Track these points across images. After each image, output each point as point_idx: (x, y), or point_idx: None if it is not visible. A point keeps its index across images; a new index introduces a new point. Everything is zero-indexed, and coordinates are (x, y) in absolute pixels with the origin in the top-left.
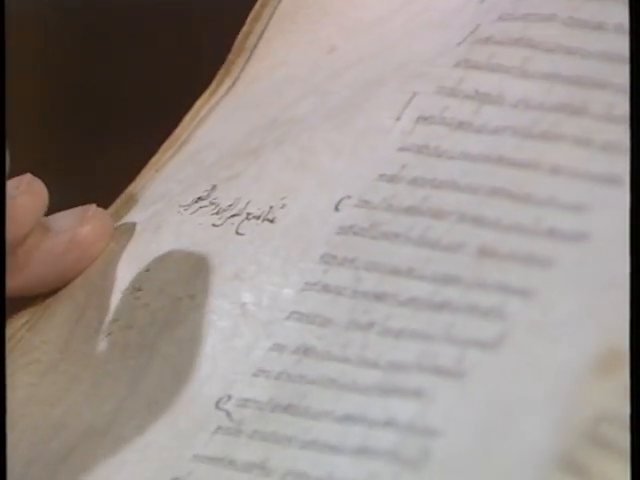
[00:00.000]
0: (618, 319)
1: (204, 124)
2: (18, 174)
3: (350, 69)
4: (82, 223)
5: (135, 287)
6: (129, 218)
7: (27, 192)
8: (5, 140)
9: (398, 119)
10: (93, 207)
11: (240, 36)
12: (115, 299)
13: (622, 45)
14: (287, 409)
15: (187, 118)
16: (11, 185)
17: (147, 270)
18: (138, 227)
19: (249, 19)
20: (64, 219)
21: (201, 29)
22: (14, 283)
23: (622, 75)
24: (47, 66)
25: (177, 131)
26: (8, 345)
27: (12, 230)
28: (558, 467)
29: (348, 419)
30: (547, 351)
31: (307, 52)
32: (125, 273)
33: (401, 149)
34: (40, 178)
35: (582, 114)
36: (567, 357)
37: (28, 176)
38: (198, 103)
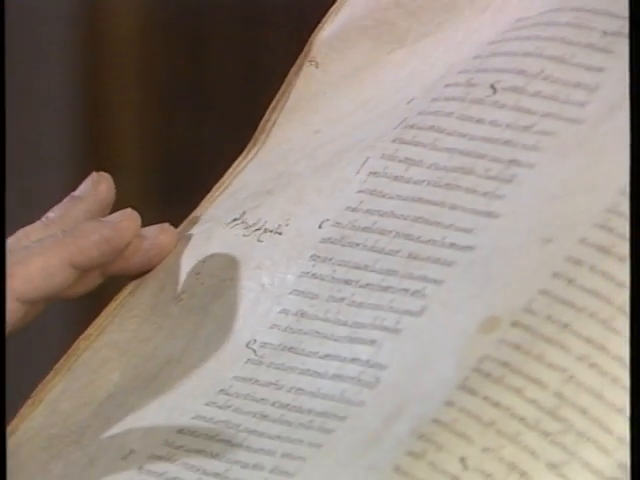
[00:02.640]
0: (497, 299)
1: (239, 175)
2: (123, 205)
3: (328, 143)
4: (160, 233)
5: (196, 272)
6: (191, 231)
7: (127, 219)
8: (5, 140)
9: (357, 173)
10: (167, 225)
11: (262, 122)
12: (183, 279)
13: (495, 132)
14: (290, 350)
15: (229, 171)
16: (118, 214)
17: (203, 262)
18: (196, 237)
19: (269, 110)
20: (150, 230)
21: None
22: (123, 267)
23: (496, 151)
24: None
25: (222, 179)
26: (118, 305)
27: (118, 241)
28: (458, 389)
29: (328, 357)
30: (452, 318)
31: (302, 133)
32: (189, 263)
33: (359, 192)
34: (137, 207)
35: (471, 174)
36: (464, 322)
37: (129, 209)
38: (235, 163)
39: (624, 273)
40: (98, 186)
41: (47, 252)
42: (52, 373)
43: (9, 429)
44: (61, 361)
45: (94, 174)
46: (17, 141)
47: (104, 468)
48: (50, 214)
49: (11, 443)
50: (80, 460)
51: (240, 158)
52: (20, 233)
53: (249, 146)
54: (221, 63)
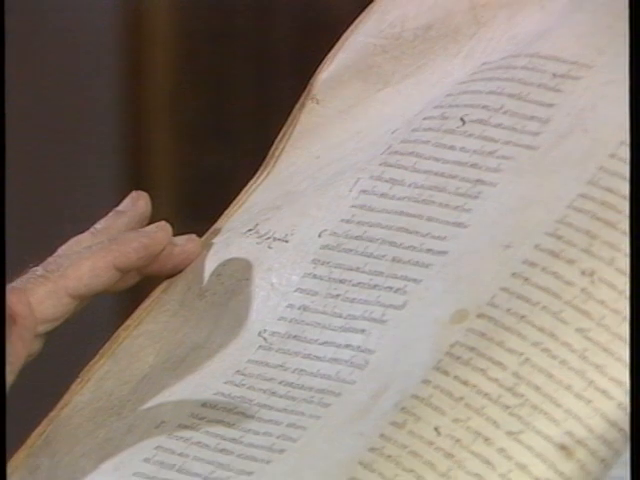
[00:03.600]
0: (465, 295)
1: (253, 193)
2: (159, 218)
3: (326, 167)
4: (188, 242)
5: (217, 274)
6: (213, 240)
7: (161, 230)
8: (5, 145)
9: (350, 191)
10: (193, 235)
11: (272, 149)
12: (206, 279)
13: (464, 157)
14: (295, 337)
15: (244, 190)
16: (153, 226)
17: (223, 265)
18: (217, 245)
19: (277, 140)
20: (180, 239)
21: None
22: (157, 269)
23: (465, 172)
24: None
25: (238, 197)
26: (152, 300)
27: (153, 248)
28: (433, 370)
29: (326, 343)
30: (428, 310)
31: (305, 158)
32: (211, 266)
33: (352, 206)
34: (169, 220)
35: (444, 191)
36: (438, 314)
37: (162, 222)
38: (249, 183)
39: (571, 274)
40: (137, 202)
41: (95, 256)
42: (98, 357)
43: (62, 403)
44: (105, 346)
45: (134, 192)
46: (69, 165)
47: (140, 435)
48: (97, 225)
49: (63, 414)
50: (120, 428)
51: (253, 180)
52: (72, 241)
53: (261, 169)
54: (239, 102)
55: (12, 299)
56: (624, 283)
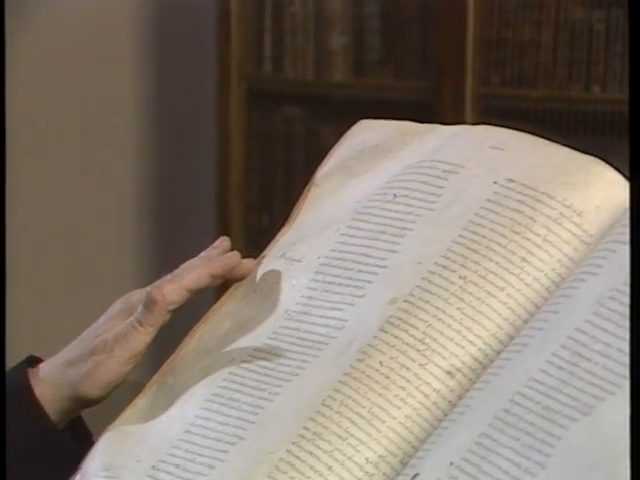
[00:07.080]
0: (396, 289)
1: (282, 237)
2: (234, 249)
3: (322, 221)
4: (248, 262)
5: (263, 279)
6: (261, 262)
7: (234, 255)
8: (5, 145)
9: (335, 234)
10: (252, 259)
11: (291, 214)
12: (257, 282)
13: (395, 215)
14: (305, 313)
15: (277, 235)
16: (231, 253)
17: (266, 274)
18: (263, 264)
19: (294, 208)
20: (244, 260)
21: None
22: (231, 277)
23: (395, 223)
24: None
25: (274, 239)
26: (228, 294)
27: (231, 265)
28: (378, 330)
29: (322, 317)
30: (376, 298)
31: (310, 218)
32: (259, 275)
33: (336, 242)
34: (239, 250)
35: (384, 233)
36: (382, 299)
37: (235, 251)
38: (281, 231)
39: (453, 277)
40: (223, 242)
41: (199, 268)
42: (199, 324)
43: (179, 347)
44: (203, 318)
45: (222, 237)
46: (188, 226)
47: (221, 366)
48: (202, 254)
49: (181, 353)
50: (209, 362)
51: (283, 229)
52: (188, 262)
53: (285, 225)
54: (278, 187)
55: (154, 291)
56: (482, 283)
